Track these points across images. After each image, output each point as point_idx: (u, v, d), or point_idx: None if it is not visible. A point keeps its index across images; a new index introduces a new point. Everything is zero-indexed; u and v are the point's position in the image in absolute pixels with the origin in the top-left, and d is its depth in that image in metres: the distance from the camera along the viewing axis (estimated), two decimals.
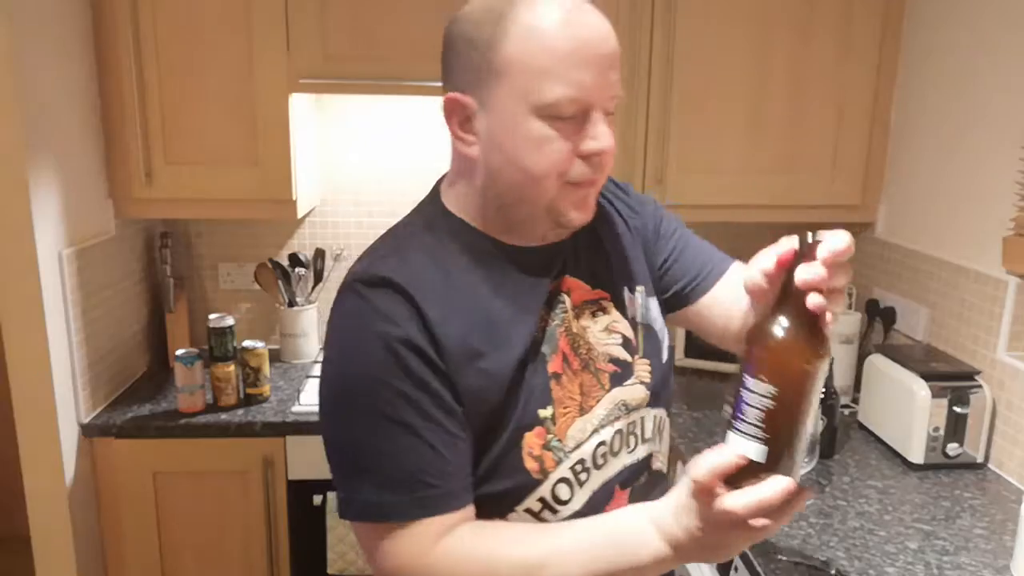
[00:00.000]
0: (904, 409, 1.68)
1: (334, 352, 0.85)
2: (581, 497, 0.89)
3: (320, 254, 2.31)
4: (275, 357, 2.26)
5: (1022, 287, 1.62)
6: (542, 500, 0.88)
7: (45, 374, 1.70)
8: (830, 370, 1.68)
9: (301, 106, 2.05)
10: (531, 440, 0.86)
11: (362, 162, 2.33)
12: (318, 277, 2.32)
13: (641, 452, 0.95)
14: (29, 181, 1.62)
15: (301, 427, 1.88)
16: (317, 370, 2.19)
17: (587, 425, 0.90)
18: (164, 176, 1.94)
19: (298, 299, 2.28)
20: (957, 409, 1.63)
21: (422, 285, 0.83)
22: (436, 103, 2.54)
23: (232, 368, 1.95)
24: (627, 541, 0.79)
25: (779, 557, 1.30)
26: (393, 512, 0.81)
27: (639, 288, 1.00)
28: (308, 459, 1.90)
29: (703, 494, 0.71)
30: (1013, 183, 1.60)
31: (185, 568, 1.95)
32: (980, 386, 1.65)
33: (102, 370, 1.93)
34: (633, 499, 0.93)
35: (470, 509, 0.85)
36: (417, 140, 2.32)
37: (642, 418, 0.95)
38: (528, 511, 0.88)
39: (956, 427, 1.64)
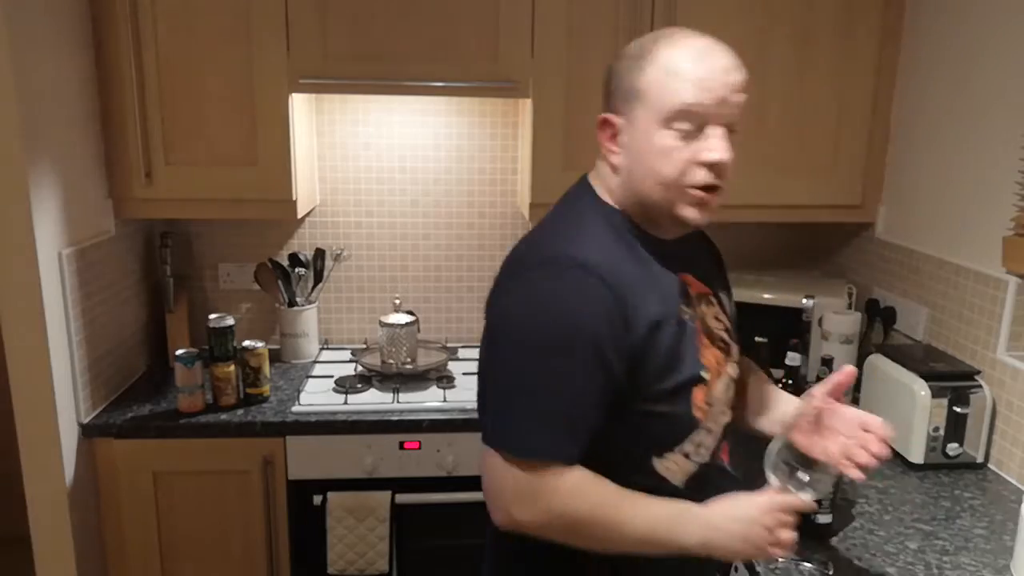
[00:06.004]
0: (904, 409, 1.68)
1: None
2: (711, 445, 1.11)
3: (320, 254, 2.31)
4: (275, 357, 2.26)
5: (1022, 287, 1.62)
6: (693, 442, 1.08)
7: (45, 374, 1.70)
8: (829, 370, 1.68)
9: (301, 106, 2.05)
10: (697, 394, 1.06)
11: (362, 162, 2.33)
12: (318, 277, 2.32)
13: (729, 416, 1.16)
14: (29, 181, 1.62)
15: (301, 427, 1.88)
16: (317, 370, 2.19)
17: (722, 388, 1.12)
18: (164, 176, 1.94)
19: (298, 299, 2.28)
20: (957, 409, 1.63)
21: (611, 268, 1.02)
22: (436, 103, 2.53)
23: (232, 368, 1.95)
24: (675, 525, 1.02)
25: (778, 558, 1.30)
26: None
27: (724, 292, 1.22)
28: (308, 459, 1.90)
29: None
30: (1013, 183, 1.60)
31: (185, 568, 1.95)
32: (980, 386, 1.65)
33: (102, 370, 1.93)
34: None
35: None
36: (416, 140, 2.32)
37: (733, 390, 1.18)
38: (684, 454, 1.08)
39: (956, 427, 1.64)
